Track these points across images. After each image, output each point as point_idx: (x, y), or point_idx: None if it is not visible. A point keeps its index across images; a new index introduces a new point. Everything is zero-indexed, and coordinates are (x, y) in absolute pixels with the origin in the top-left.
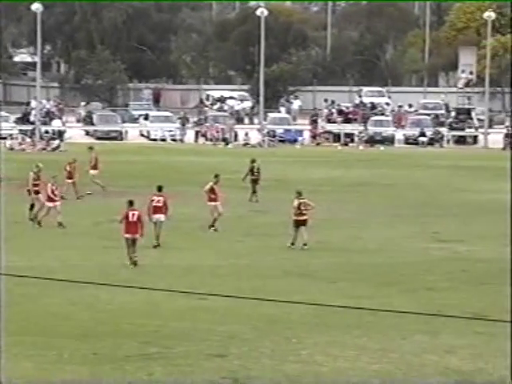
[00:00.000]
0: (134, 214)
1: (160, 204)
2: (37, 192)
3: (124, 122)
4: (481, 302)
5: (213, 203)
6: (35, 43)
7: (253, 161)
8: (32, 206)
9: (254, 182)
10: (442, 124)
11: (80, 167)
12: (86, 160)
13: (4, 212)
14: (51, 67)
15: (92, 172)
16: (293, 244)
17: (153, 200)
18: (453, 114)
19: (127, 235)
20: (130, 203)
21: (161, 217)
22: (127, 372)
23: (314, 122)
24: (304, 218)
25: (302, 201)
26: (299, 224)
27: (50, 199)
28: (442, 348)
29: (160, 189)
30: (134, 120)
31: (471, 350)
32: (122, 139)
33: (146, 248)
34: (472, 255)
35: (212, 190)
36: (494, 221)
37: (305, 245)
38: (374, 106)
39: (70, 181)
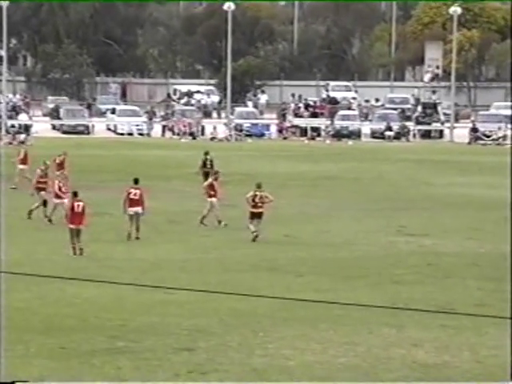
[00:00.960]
0: (78, 205)
1: (137, 197)
2: (42, 189)
3: (91, 116)
4: (447, 295)
5: (212, 199)
6: (1, 37)
7: (206, 153)
8: (45, 203)
9: (207, 174)
10: (408, 118)
11: (69, 160)
12: (51, 154)
13: None
14: (17, 61)
15: (21, 167)
16: (254, 233)
17: (130, 193)
18: (419, 108)
19: (72, 226)
20: (75, 194)
21: (138, 209)
22: (94, 366)
23: (282, 117)
24: (259, 210)
25: (258, 193)
26: (254, 216)
27: (58, 196)
28: (409, 341)
29: (136, 181)
30: (101, 114)
31: (437, 344)
32: (88, 133)
33: (114, 242)
34: (438, 249)
35: (211, 186)
36: (460, 215)
37: (255, 234)
38: (336, 101)
39: (58, 173)
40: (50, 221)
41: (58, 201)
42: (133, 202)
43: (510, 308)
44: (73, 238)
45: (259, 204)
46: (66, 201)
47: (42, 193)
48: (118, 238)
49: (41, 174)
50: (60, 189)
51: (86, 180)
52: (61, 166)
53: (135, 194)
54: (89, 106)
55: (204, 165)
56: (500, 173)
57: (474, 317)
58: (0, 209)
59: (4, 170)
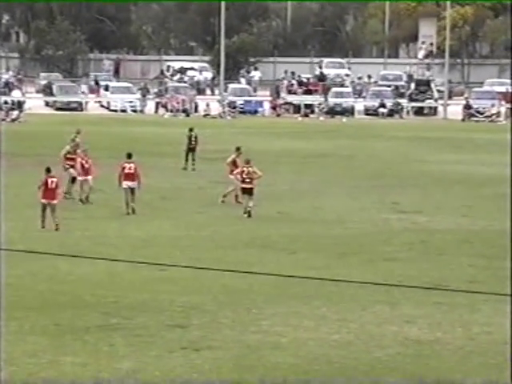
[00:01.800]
0: (52, 181)
1: (131, 171)
2: (71, 166)
3: (83, 92)
4: (440, 272)
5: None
6: None
7: (190, 129)
8: (73, 180)
9: (192, 150)
10: (402, 95)
11: (83, 138)
12: (44, 131)
13: None
14: (10, 37)
15: None
16: (245, 213)
17: (124, 167)
18: (413, 85)
19: (44, 201)
20: (48, 170)
21: (133, 184)
22: (88, 343)
23: (276, 94)
24: (249, 186)
25: (246, 169)
26: (244, 192)
27: (81, 173)
28: (402, 318)
29: (130, 156)
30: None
31: (430, 320)
32: (82, 110)
33: (107, 219)
34: (431, 226)
35: (234, 163)
36: (453, 192)
37: (248, 213)
38: (323, 77)
39: (80, 150)
40: (81, 200)
41: (81, 178)
42: (127, 177)
43: (510, 285)
44: (44, 212)
45: (247, 180)
46: (90, 178)
47: (71, 170)
48: (111, 214)
49: (69, 151)
50: (83, 165)
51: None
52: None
53: (130, 168)
54: (97, 83)
55: (189, 141)
56: (493, 150)
57: (467, 294)
58: (0, 188)
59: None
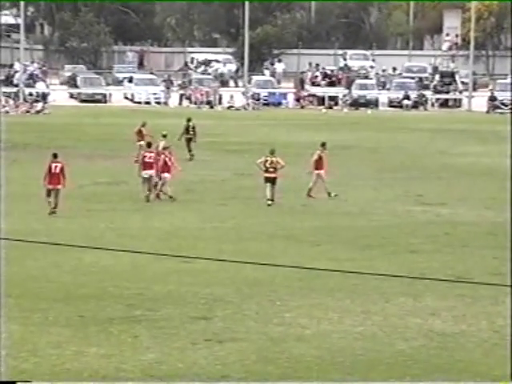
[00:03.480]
0: (56, 166)
1: (151, 160)
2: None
3: (108, 84)
4: (463, 264)
5: (320, 171)
6: (18, 5)
7: (188, 119)
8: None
9: (189, 140)
10: (426, 87)
11: (149, 130)
12: (68, 123)
13: None
14: (35, 29)
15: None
16: (269, 200)
17: (145, 156)
18: (437, 77)
19: (49, 186)
20: (54, 156)
21: (151, 172)
22: (112, 334)
23: (300, 85)
24: (272, 175)
25: (269, 159)
26: (268, 180)
27: (164, 169)
28: (426, 311)
29: (149, 145)
30: (119, 83)
31: (454, 313)
32: (106, 102)
33: (130, 211)
34: (455, 218)
35: (319, 159)
36: (477, 184)
37: (270, 200)
38: (347, 69)
39: (139, 143)
40: (170, 197)
41: (164, 175)
42: (147, 165)
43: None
44: (49, 196)
45: (270, 169)
46: (167, 175)
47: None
48: (134, 206)
49: (165, 146)
50: (166, 162)
51: (103, 149)
52: (140, 135)
53: (150, 158)
54: (130, 80)
55: (187, 131)
56: None
57: (491, 286)
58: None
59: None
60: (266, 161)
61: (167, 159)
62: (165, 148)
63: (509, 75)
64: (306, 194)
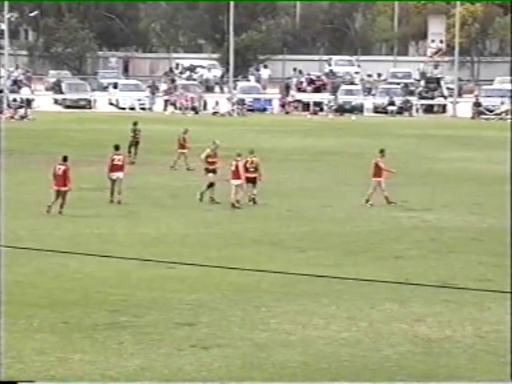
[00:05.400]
0: (59, 169)
1: (120, 162)
2: (210, 170)
3: (93, 90)
4: (449, 270)
5: (378, 179)
6: (2, 10)
7: (134, 123)
8: (211, 185)
9: (135, 144)
10: (411, 93)
11: (191, 138)
12: (53, 129)
13: None
14: (19, 35)
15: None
16: (250, 198)
17: (113, 159)
18: (422, 83)
19: (55, 187)
20: (64, 159)
21: (120, 174)
22: (97, 341)
23: (285, 91)
24: (253, 175)
25: (250, 159)
26: (249, 181)
27: (236, 177)
28: (411, 316)
29: (118, 148)
30: (103, 88)
31: (439, 318)
32: (90, 108)
33: (115, 217)
34: (440, 224)
35: (377, 166)
36: (462, 189)
37: (252, 200)
38: (333, 75)
39: (181, 151)
40: (232, 205)
41: (237, 182)
42: (116, 168)
43: (510, 282)
44: (57, 198)
45: (251, 169)
46: (240, 182)
47: (210, 174)
48: (119, 212)
49: (210, 154)
50: (237, 168)
51: (87, 155)
52: (183, 145)
53: (119, 160)
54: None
55: (134, 135)
56: (503, 147)
57: (477, 292)
58: (0, 184)
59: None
60: (247, 161)
61: (235, 165)
62: (238, 155)
63: (493, 81)
64: (364, 201)
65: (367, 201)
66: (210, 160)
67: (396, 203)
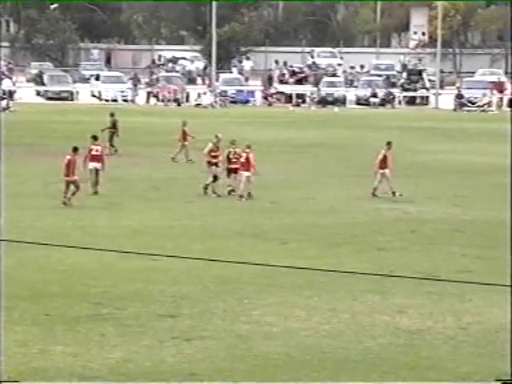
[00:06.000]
0: (66, 159)
1: (98, 153)
2: (213, 164)
3: (75, 82)
4: (431, 262)
5: (383, 170)
6: None
7: (111, 114)
8: (215, 178)
9: (112, 134)
10: (393, 85)
11: (190, 130)
12: (35, 120)
13: None
14: (0, 26)
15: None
16: (231, 191)
17: (91, 149)
18: (405, 75)
19: (66, 178)
20: (74, 149)
21: (98, 165)
22: (79, 333)
23: (267, 83)
24: (235, 166)
25: (232, 150)
26: (230, 171)
27: (245, 168)
28: (393, 308)
29: (96, 138)
30: (85, 80)
31: (421, 310)
32: (72, 99)
33: (97, 209)
34: (422, 216)
35: (385, 158)
36: (445, 181)
37: (229, 188)
38: (315, 67)
39: (182, 143)
40: (241, 196)
41: (245, 174)
42: (94, 158)
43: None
44: (67, 188)
45: (233, 160)
46: (248, 173)
47: (213, 167)
48: (101, 204)
49: (212, 148)
50: (247, 159)
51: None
52: (183, 137)
53: (97, 151)
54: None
55: (113, 126)
56: (485, 139)
57: (458, 283)
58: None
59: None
60: (230, 152)
61: (250, 158)
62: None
63: (475, 73)
64: (371, 194)
65: (374, 193)
66: (212, 154)
67: (402, 195)
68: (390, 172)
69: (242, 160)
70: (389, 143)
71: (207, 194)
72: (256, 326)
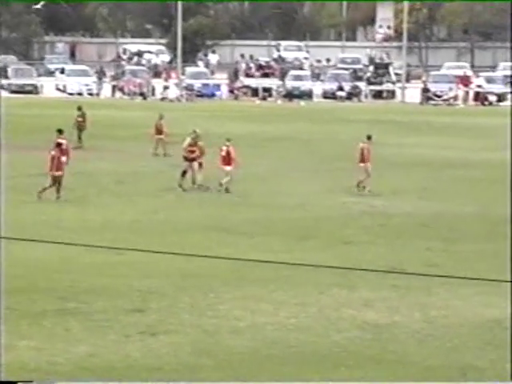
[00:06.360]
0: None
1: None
2: (192, 159)
3: (40, 75)
4: (397, 255)
5: (365, 164)
6: None
7: (79, 108)
8: (184, 173)
9: (80, 128)
10: (360, 78)
11: (167, 124)
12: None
13: None
14: None
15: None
16: (181, 185)
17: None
18: (371, 68)
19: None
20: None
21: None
22: (44, 328)
23: (233, 77)
24: (193, 155)
25: (192, 141)
26: (188, 160)
27: (226, 162)
28: (359, 302)
29: (61, 132)
30: (50, 74)
31: (388, 304)
32: (37, 93)
33: (62, 203)
34: (388, 209)
35: (363, 151)
36: (411, 175)
37: (194, 183)
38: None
39: (158, 137)
40: (225, 189)
41: (227, 168)
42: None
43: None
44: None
45: (194, 150)
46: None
47: (188, 163)
48: (66, 198)
49: (190, 143)
50: (229, 155)
51: (35, 140)
52: (158, 130)
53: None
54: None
55: (82, 119)
56: (451, 133)
57: (424, 277)
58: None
59: None
60: (190, 144)
61: (231, 152)
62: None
63: (442, 67)
64: (356, 187)
65: (363, 187)
66: (190, 149)
67: (371, 191)
68: (369, 165)
69: (223, 154)
70: (369, 137)
71: (200, 187)
72: (222, 321)
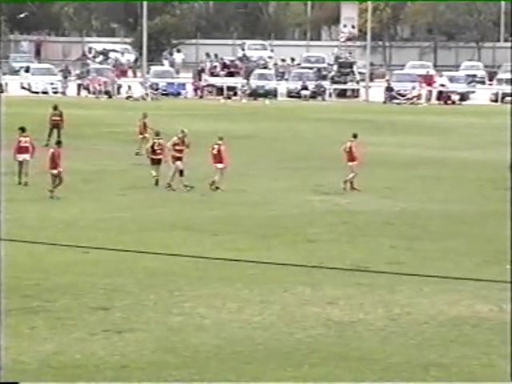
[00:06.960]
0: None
1: (27, 144)
2: (179, 158)
3: (4, 74)
4: (361, 253)
5: (352, 163)
6: None
7: (55, 107)
8: (181, 172)
9: (56, 127)
10: (324, 77)
11: (150, 123)
12: None
13: None
14: None
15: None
16: (157, 182)
17: (20, 141)
18: (335, 67)
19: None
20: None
21: (26, 156)
22: (9, 326)
23: (198, 75)
24: (158, 157)
25: (157, 141)
26: (154, 163)
27: (218, 160)
28: (324, 299)
29: (24, 130)
30: (15, 72)
31: (352, 301)
32: (2, 91)
33: (27, 201)
34: (353, 207)
35: (350, 150)
36: (374, 174)
37: (156, 178)
38: (246, 59)
39: (142, 136)
40: (217, 188)
41: (219, 166)
42: (22, 150)
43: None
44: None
45: (158, 151)
46: (221, 166)
47: (178, 162)
48: (31, 197)
49: (177, 142)
50: (219, 151)
51: None
52: (141, 129)
53: (25, 142)
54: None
55: (59, 118)
56: (414, 132)
57: (388, 275)
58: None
59: None
60: (154, 143)
61: (221, 150)
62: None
63: (405, 66)
64: (349, 188)
65: (352, 187)
66: (177, 148)
67: (360, 191)
68: (357, 164)
69: (214, 152)
70: (355, 136)
71: (175, 190)
72: (187, 318)
